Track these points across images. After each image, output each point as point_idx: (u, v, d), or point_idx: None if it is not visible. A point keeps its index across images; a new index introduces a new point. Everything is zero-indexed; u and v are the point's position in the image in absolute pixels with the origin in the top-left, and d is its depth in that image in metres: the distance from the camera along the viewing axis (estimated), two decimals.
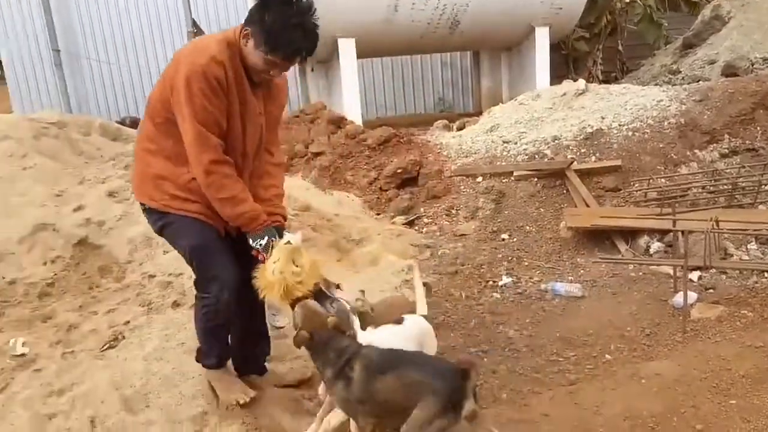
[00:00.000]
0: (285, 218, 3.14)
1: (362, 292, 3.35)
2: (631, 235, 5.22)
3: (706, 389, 3.17)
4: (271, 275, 2.79)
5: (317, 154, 7.83)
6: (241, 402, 3.14)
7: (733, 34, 10.34)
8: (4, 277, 4.22)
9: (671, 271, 4.53)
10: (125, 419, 3.14)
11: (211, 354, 3.23)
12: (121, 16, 13.26)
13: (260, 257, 2.88)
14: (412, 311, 3.27)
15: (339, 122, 8.44)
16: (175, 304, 3.94)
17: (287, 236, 2.91)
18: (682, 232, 4.34)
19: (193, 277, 3.06)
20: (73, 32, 13.11)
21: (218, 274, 2.93)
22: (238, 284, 2.94)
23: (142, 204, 3.04)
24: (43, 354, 3.65)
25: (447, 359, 3.03)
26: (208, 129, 2.74)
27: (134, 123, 8.99)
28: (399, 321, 3.06)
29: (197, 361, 3.30)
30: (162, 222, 2.97)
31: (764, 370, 3.26)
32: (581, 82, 7.81)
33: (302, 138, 8.33)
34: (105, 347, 3.64)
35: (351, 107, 9.82)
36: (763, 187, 5.31)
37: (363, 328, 3.09)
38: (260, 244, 2.86)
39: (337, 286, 3.08)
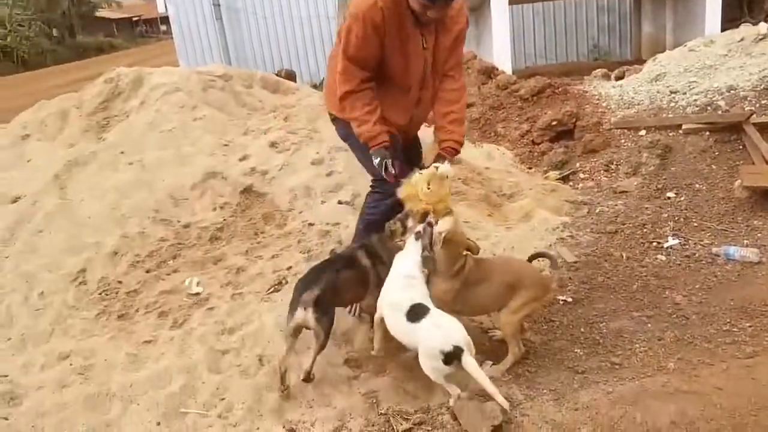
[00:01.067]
0: (460, 143, 3.42)
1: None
2: None
3: None
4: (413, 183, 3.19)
5: (467, 106, 7.67)
6: None
7: None
8: (179, 221, 4.56)
9: None
10: (291, 359, 3.30)
11: None
12: None
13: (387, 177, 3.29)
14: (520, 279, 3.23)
15: (489, 72, 8.21)
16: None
17: (441, 164, 3.20)
18: None
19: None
20: None
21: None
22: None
23: (330, 114, 3.60)
24: (215, 294, 3.92)
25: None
26: (355, 64, 3.18)
27: (289, 75, 9.26)
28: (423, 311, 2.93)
29: None
30: (347, 131, 3.44)
31: None
32: (762, 26, 7.01)
33: None
34: (270, 290, 3.84)
35: (501, 56, 9.55)
36: None
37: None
38: (375, 162, 3.27)
39: (450, 212, 3.25)
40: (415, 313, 2.89)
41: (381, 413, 2.96)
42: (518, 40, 13.19)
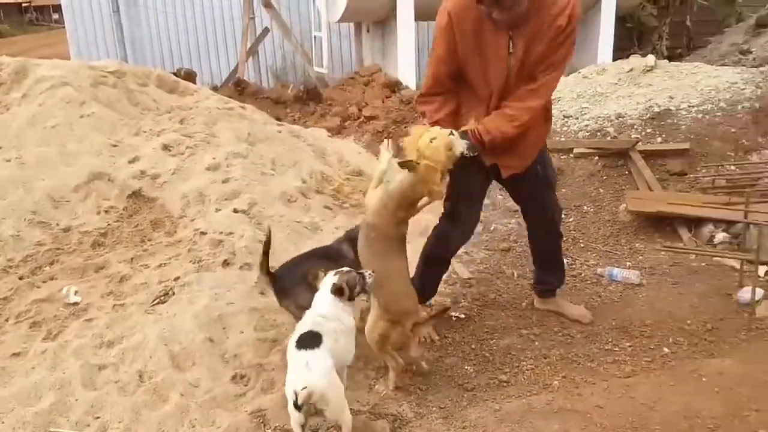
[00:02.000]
0: (489, 134, 3.12)
1: None
2: (694, 222, 4.99)
3: None
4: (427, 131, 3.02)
5: (371, 118, 7.72)
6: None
7: None
8: (58, 224, 4.27)
9: (736, 265, 4.32)
10: (173, 376, 3.16)
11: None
12: None
13: None
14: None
15: (394, 86, 8.29)
16: (226, 264, 3.93)
17: (460, 138, 3.01)
18: (756, 224, 4.11)
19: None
20: None
21: None
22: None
23: None
24: (95, 304, 3.70)
25: None
26: (431, 66, 3.24)
27: (189, 75, 8.93)
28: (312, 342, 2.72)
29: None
30: None
31: None
32: (650, 58, 7.45)
33: (356, 100, 8.22)
34: (155, 302, 3.65)
35: (406, 71, 9.61)
36: None
37: None
38: None
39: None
40: (304, 341, 2.69)
41: None
42: (423, 56, 13.37)
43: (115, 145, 4.89)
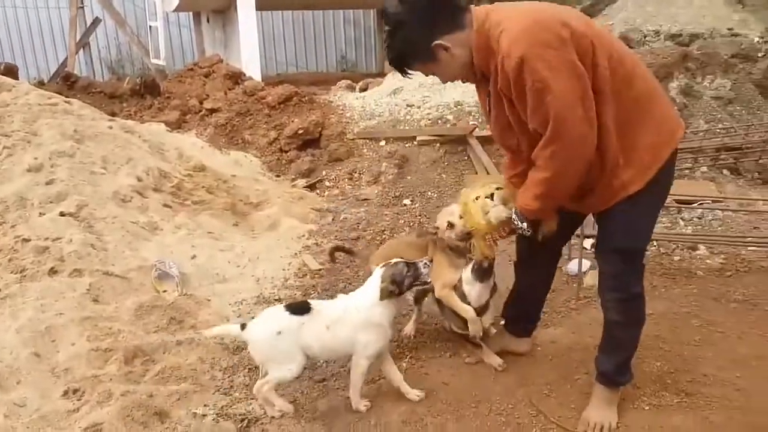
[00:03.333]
0: (522, 205, 2.73)
1: None
2: None
3: None
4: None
5: (213, 111, 7.45)
6: None
7: (628, 5, 10.59)
8: None
9: None
10: None
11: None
12: None
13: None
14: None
15: (237, 77, 8.08)
16: (53, 271, 3.63)
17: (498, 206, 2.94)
18: None
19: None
20: None
21: None
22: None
23: None
24: None
25: None
26: None
27: (9, 70, 8.15)
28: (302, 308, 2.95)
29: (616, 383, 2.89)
30: None
31: (653, 337, 3.38)
32: None
33: (196, 93, 7.92)
34: None
35: (249, 62, 9.40)
36: None
37: None
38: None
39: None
40: (298, 305, 2.99)
41: None
42: (268, 46, 13.17)
43: None
